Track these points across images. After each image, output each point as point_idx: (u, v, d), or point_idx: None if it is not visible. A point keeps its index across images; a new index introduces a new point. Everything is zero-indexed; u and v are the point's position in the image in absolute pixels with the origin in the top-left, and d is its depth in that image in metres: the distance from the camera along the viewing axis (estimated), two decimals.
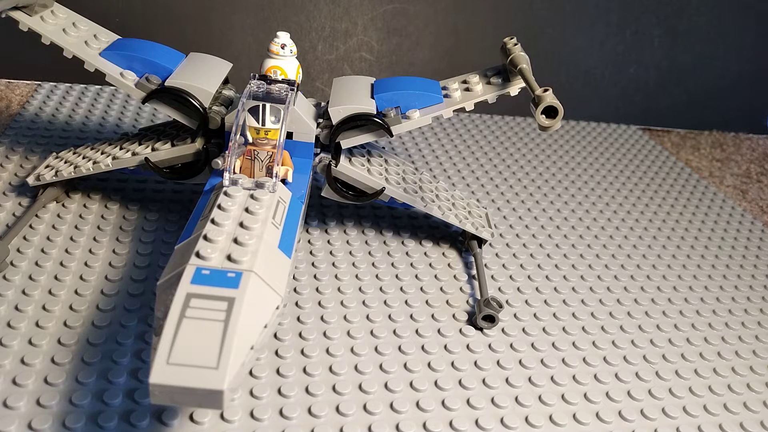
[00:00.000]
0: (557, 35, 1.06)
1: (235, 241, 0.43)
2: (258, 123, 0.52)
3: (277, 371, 0.49)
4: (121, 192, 0.68)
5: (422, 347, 0.54)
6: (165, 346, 0.36)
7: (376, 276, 0.62)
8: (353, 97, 0.60)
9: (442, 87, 0.62)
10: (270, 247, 0.44)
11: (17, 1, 0.55)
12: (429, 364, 0.53)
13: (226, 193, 0.48)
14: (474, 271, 0.65)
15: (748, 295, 0.70)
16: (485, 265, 0.66)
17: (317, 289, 0.59)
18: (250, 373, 0.48)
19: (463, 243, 0.69)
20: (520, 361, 0.55)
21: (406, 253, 0.66)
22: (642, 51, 1.10)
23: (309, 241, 0.66)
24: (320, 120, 0.60)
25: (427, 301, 0.60)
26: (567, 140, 1.02)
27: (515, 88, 0.59)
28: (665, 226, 0.81)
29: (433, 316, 0.58)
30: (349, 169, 0.60)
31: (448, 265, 0.66)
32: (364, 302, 0.58)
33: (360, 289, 0.60)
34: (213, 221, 0.45)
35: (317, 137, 0.59)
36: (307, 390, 0.48)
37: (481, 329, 0.57)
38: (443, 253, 0.67)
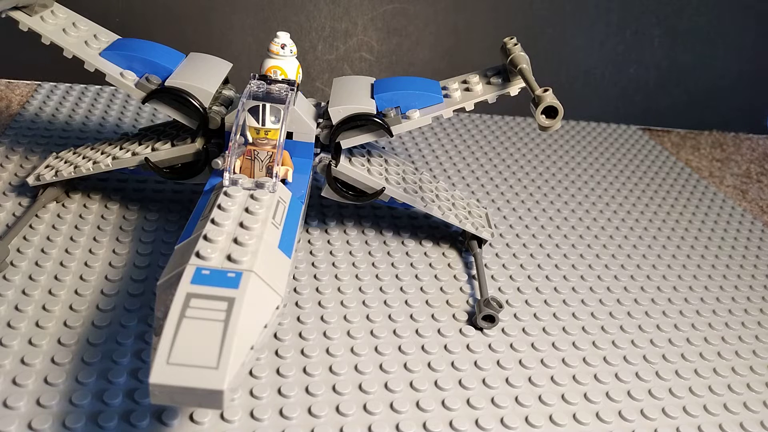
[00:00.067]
0: (557, 35, 1.06)
1: (235, 241, 0.43)
2: (258, 123, 0.52)
3: (277, 371, 0.49)
4: (121, 192, 0.68)
5: (422, 347, 0.54)
6: (165, 346, 0.36)
7: (376, 276, 0.62)
8: (353, 97, 0.60)
9: (442, 87, 0.62)
10: (270, 247, 0.44)
11: (17, 1, 0.55)
12: (429, 364, 0.53)
13: (226, 193, 0.48)
14: (474, 271, 0.65)
15: (748, 295, 0.70)
16: (485, 265, 0.66)
17: (317, 289, 0.59)
18: (250, 373, 0.48)
19: (463, 243, 0.69)
20: (520, 361, 0.55)
21: (406, 253, 0.66)
22: (642, 51, 1.10)
23: (309, 241, 0.66)
24: (320, 120, 0.60)
25: (427, 301, 0.60)
26: (567, 140, 1.02)
27: (515, 88, 0.59)
28: (665, 226, 0.81)
29: (433, 316, 0.58)
30: (349, 169, 0.60)
31: (448, 265, 0.66)
32: (364, 302, 0.58)
33: (360, 289, 0.60)
34: (213, 221, 0.45)
35: (317, 137, 0.59)
36: (307, 390, 0.48)
37: (481, 329, 0.57)
38: (443, 253, 0.67)
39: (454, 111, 0.61)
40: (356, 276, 0.61)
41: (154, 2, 0.92)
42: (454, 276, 0.64)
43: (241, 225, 0.45)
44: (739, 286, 0.71)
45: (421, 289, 0.61)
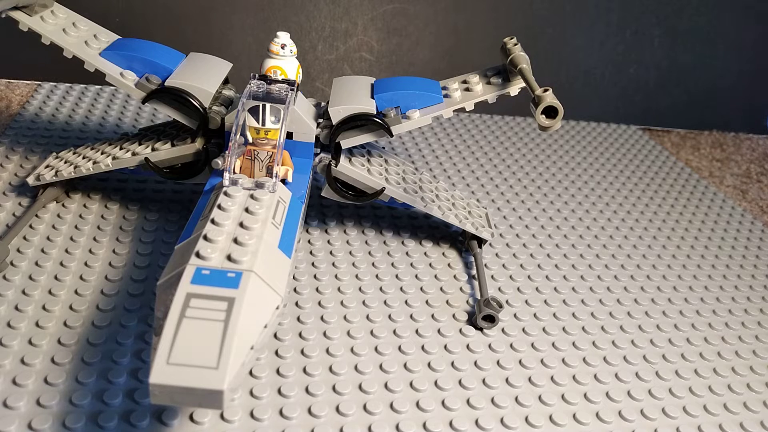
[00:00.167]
0: (557, 35, 1.06)
1: (235, 241, 0.43)
2: (258, 123, 0.52)
3: (277, 371, 0.49)
4: (121, 192, 0.68)
5: (422, 347, 0.54)
6: (165, 346, 0.36)
7: (376, 276, 0.62)
8: (353, 97, 0.60)
9: (442, 87, 0.62)
10: (270, 247, 0.44)
11: (17, 1, 0.55)
12: (429, 364, 0.53)
13: (226, 193, 0.48)
14: (474, 271, 0.65)
15: (748, 295, 0.70)
16: (485, 265, 0.66)
17: (317, 289, 0.59)
18: (250, 373, 0.48)
19: (463, 243, 0.69)
20: (520, 361, 0.55)
21: (406, 253, 0.66)
22: (642, 51, 1.10)
23: (309, 241, 0.66)
24: (320, 120, 0.60)
25: (427, 301, 0.60)
26: (567, 140, 1.02)
27: (515, 88, 0.59)
28: (665, 226, 0.81)
29: (433, 316, 0.58)
30: (349, 169, 0.60)
31: (448, 265, 0.66)
32: (364, 302, 0.58)
33: (360, 289, 0.60)
34: (213, 221, 0.45)
35: (317, 137, 0.59)
36: (307, 390, 0.48)
37: (481, 329, 0.57)
38: (443, 253, 0.67)
39: (454, 111, 0.61)
40: (356, 276, 0.61)
41: (154, 2, 0.92)
42: (454, 276, 0.64)
43: (241, 225, 0.45)
44: (739, 286, 0.71)
45: (421, 289, 0.61)
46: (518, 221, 0.76)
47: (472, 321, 0.58)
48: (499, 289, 0.64)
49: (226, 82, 0.62)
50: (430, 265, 0.65)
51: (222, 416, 0.45)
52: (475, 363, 0.54)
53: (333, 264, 0.63)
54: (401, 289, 0.61)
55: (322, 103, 0.63)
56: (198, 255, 0.41)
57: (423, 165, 0.86)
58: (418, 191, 0.64)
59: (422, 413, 0.48)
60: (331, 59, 1.00)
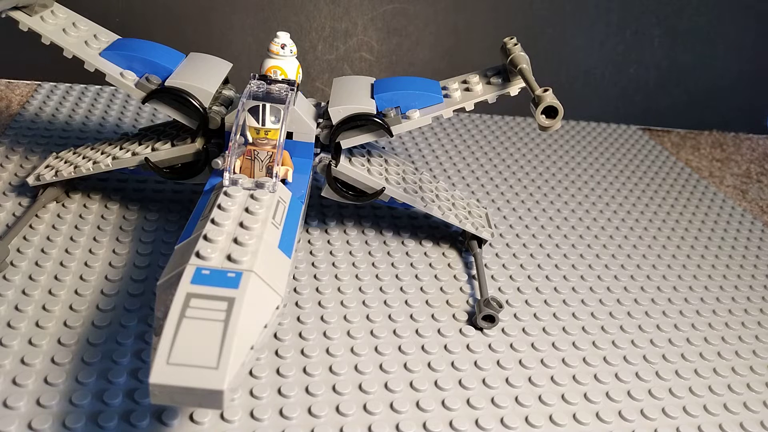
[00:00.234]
0: (557, 35, 1.06)
1: (235, 241, 0.43)
2: (258, 123, 0.52)
3: (277, 371, 0.49)
4: (121, 192, 0.68)
5: (422, 347, 0.54)
6: (165, 346, 0.36)
7: (376, 276, 0.62)
8: (353, 97, 0.60)
9: (442, 87, 0.62)
10: (270, 247, 0.44)
11: (17, 1, 0.55)
12: (429, 364, 0.53)
13: (226, 193, 0.48)
14: (474, 271, 0.65)
15: (748, 295, 0.70)
16: (485, 265, 0.66)
17: (317, 289, 0.59)
18: (250, 373, 0.48)
19: (463, 243, 0.69)
20: (520, 361, 0.55)
21: (406, 253, 0.66)
22: (642, 51, 1.10)
23: (309, 241, 0.66)
24: (320, 120, 0.60)
25: (427, 301, 0.60)
26: (567, 140, 1.02)
27: (515, 88, 0.59)
28: (665, 226, 0.81)
29: (433, 316, 0.58)
30: (349, 169, 0.60)
31: (448, 265, 0.66)
32: (364, 302, 0.58)
33: (360, 289, 0.60)
34: (213, 221, 0.45)
35: (317, 137, 0.59)
36: (307, 390, 0.48)
37: (481, 329, 0.57)
38: (443, 253, 0.67)
39: (454, 111, 0.61)
40: (356, 276, 0.61)
41: (154, 2, 0.92)
42: (454, 276, 0.64)
43: (241, 225, 0.45)
44: (739, 286, 0.71)
45: (421, 289, 0.61)
46: (518, 221, 0.76)
47: (472, 321, 0.58)
48: (499, 289, 0.64)
49: (226, 82, 0.62)
50: (430, 265, 0.65)
51: (222, 416, 0.45)
52: (475, 363, 0.54)
53: (333, 264, 0.63)
54: (401, 289, 0.61)
55: (322, 103, 0.63)
56: (198, 255, 0.41)
57: (423, 165, 0.86)
58: (418, 191, 0.64)
59: (422, 413, 0.48)
60: (331, 59, 1.00)
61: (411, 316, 0.58)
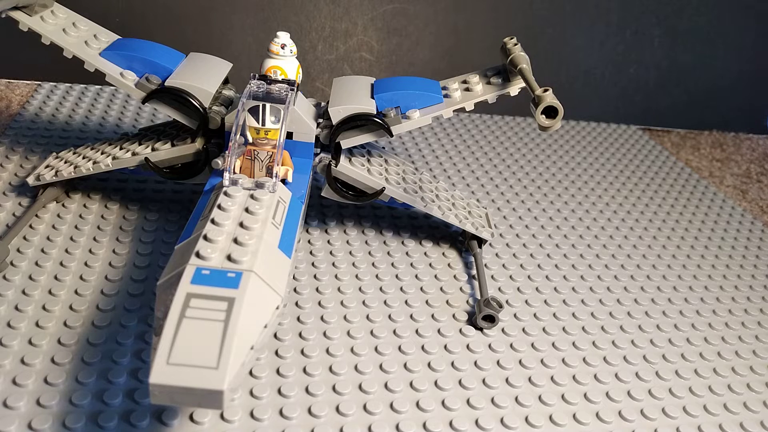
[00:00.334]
0: (557, 35, 1.06)
1: (235, 241, 0.43)
2: (258, 123, 0.52)
3: (277, 371, 0.49)
4: (121, 192, 0.68)
5: (422, 347, 0.54)
6: (165, 346, 0.36)
7: (376, 276, 0.62)
8: (353, 97, 0.60)
9: (442, 87, 0.62)
10: (270, 247, 0.44)
11: (17, 1, 0.55)
12: (429, 364, 0.53)
13: (226, 193, 0.48)
14: (474, 271, 0.65)
15: (748, 295, 0.70)
16: (485, 265, 0.66)
17: (317, 289, 0.59)
18: (250, 373, 0.48)
19: (463, 243, 0.69)
20: (520, 361, 0.55)
21: (406, 253, 0.66)
22: (642, 51, 1.10)
23: (309, 241, 0.66)
24: (320, 120, 0.60)
25: (427, 301, 0.60)
26: (567, 140, 1.02)
27: (515, 88, 0.59)
28: (665, 226, 0.81)
29: (433, 316, 0.58)
30: (349, 169, 0.60)
31: (448, 265, 0.66)
32: (364, 302, 0.58)
33: (360, 289, 0.60)
34: (213, 221, 0.45)
35: (317, 137, 0.59)
36: (307, 390, 0.48)
37: (481, 329, 0.57)
38: (443, 253, 0.67)
39: (454, 111, 0.61)
40: (356, 276, 0.61)
41: (154, 2, 0.92)
42: (454, 276, 0.64)
43: (241, 225, 0.45)
44: (739, 286, 0.71)
45: (421, 289, 0.61)
46: (518, 221, 0.76)
47: (472, 321, 0.58)
48: (499, 289, 0.64)
49: (226, 82, 0.62)
50: (430, 265, 0.65)
51: (222, 416, 0.45)
52: (475, 363, 0.54)
53: (333, 264, 0.63)
54: (401, 289, 0.61)
55: (322, 103, 0.63)
56: (198, 255, 0.41)
57: (423, 165, 0.86)
58: (418, 191, 0.64)
59: (422, 413, 0.48)
60: (331, 59, 1.00)
61: (411, 316, 0.58)
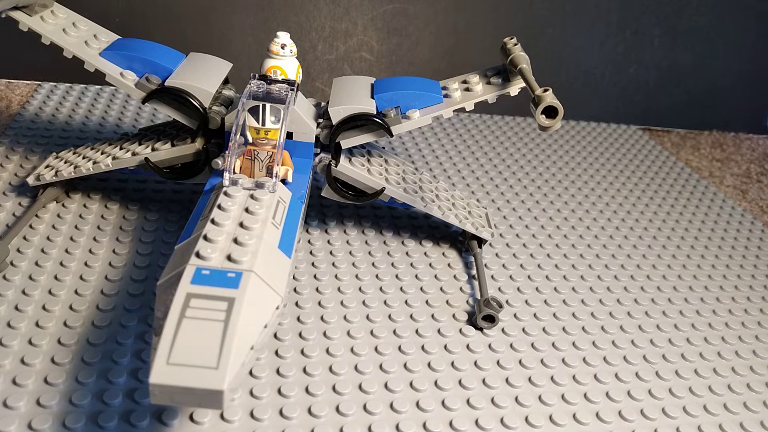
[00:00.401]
0: (557, 35, 1.06)
1: (235, 241, 0.43)
2: (258, 123, 0.52)
3: (277, 371, 0.49)
4: (121, 192, 0.68)
5: (422, 347, 0.54)
6: (165, 346, 0.36)
7: (376, 276, 0.62)
8: (353, 97, 0.60)
9: (442, 87, 0.62)
10: (270, 247, 0.44)
11: (17, 1, 0.55)
12: (429, 364, 0.53)
13: (226, 193, 0.48)
14: (474, 271, 0.65)
15: (748, 295, 0.70)
16: (485, 265, 0.66)
17: (317, 289, 0.59)
18: (250, 373, 0.48)
19: (463, 243, 0.69)
20: (520, 361, 0.55)
21: (406, 253, 0.66)
22: (642, 51, 1.10)
23: (309, 241, 0.66)
24: (320, 120, 0.60)
25: (427, 301, 0.60)
26: (567, 140, 1.02)
27: (515, 88, 0.59)
28: (665, 226, 0.81)
29: (433, 316, 0.58)
30: (349, 169, 0.60)
31: (448, 265, 0.66)
32: (364, 302, 0.58)
33: (360, 289, 0.60)
34: (213, 221, 0.45)
35: (317, 137, 0.59)
36: (307, 390, 0.48)
37: (481, 329, 0.57)
38: (443, 253, 0.67)
39: (454, 111, 0.61)
40: (356, 276, 0.61)
41: (154, 2, 0.92)
42: (454, 276, 0.64)
43: (241, 225, 0.45)
44: (739, 286, 0.71)
45: (421, 289, 0.61)
46: (518, 221, 0.76)
47: (472, 321, 0.58)
48: (499, 289, 0.64)
49: (226, 82, 0.62)
50: (430, 265, 0.65)
51: (222, 416, 0.45)
52: (475, 363, 0.54)
53: (333, 264, 0.63)
54: (401, 289, 0.61)
55: (322, 103, 0.63)
56: (198, 255, 0.41)
57: (423, 165, 0.86)
58: (418, 191, 0.64)
59: (422, 413, 0.48)
60: (331, 59, 1.00)
61: (411, 316, 0.58)
